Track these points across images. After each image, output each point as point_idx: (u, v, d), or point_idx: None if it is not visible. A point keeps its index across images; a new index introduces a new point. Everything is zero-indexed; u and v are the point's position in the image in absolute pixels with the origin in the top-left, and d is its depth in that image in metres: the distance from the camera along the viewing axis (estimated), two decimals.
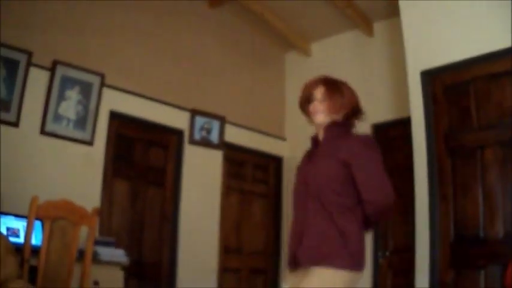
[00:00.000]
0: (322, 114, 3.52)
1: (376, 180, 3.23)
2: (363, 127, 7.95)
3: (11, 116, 5.96)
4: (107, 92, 6.78)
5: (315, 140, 3.68)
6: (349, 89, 3.64)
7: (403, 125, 6.88)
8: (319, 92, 3.57)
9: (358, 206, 3.26)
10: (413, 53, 6.47)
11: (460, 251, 5.67)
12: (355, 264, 3.16)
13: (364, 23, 8.41)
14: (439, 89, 6.15)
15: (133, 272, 6.41)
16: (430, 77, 6.24)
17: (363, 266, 3.23)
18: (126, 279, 5.82)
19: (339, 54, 8.91)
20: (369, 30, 8.49)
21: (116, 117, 6.88)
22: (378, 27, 8.51)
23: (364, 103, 7.95)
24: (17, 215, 5.28)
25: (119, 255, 5.77)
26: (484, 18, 5.98)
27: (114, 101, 6.86)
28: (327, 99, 3.52)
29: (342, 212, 3.22)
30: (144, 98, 7.16)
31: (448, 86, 6.11)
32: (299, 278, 3.25)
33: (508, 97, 5.61)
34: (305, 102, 3.66)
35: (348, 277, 3.13)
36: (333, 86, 3.59)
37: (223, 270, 7.88)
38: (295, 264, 3.33)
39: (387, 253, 7.55)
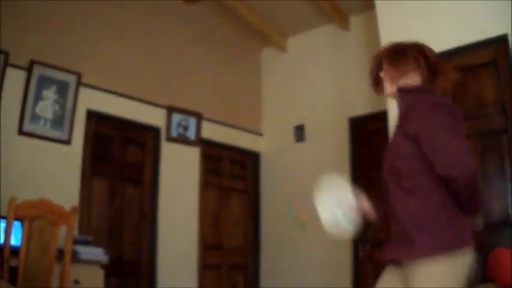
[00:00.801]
0: (386, 84, 3.22)
1: (447, 151, 2.73)
2: (339, 120, 8.05)
3: None
4: (83, 91, 6.72)
5: None
6: (417, 48, 3.15)
7: (380, 118, 6.89)
8: (383, 62, 3.25)
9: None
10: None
11: None
12: (445, 245, 2.74)
13: (339, 17, 8.41)
14: None
15: (113, 270, 6.36)
16: None
17: (465, 244, 2.77)
18: (106, 278, 5.79)
19: (315, 49, 8.92)
20: (344, 25, 8.49)
21: (93, 116, 6.83)
22: (354, 21, 8.52)
23: (341, 97, 8.06)
24: None
25: (98, 253, 5.74)
26: (459, 11, 6.01)
27: (91, 100, 6.80)
28: (388, 67, 3.19)
29: (421, 193, 2.85)
30: (120, 96, 7.11)
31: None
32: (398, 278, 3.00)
33: (485, 88, 5.64)
34: (375, 78, 3.36)
35: (447, 263, 2.72)
36: (395, 50, 3.21)
37: (203, 267, 7.86)
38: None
39: (367, 246, 7.55)
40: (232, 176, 8.81)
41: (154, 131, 7.56)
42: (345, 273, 7.69)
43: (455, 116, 2.84)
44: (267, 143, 9.15)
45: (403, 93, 3.07)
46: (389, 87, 3.17)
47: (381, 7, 6.69)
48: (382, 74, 3.21)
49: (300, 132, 8.70)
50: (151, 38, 7.70)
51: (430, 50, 3.15)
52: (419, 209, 2.83)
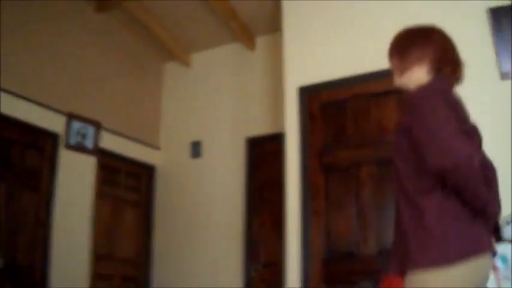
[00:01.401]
0: (395, 76, 3.04)
1: (438, 140, 2.50)
2: (237, 139, 8.11)
3: None
4: None
5: None
6: (427, 35, 2.97)
7: (277, 139, 7.02)
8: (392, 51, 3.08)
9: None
10: (292, 69, 6.59)
11: (332, 266, 5.79)
12: (446, 256, 2.48)
13: (246, 37, 8.50)
14: (315, 106, 6.28)
15: (7, 275, 6.22)
16: (307, 93, 6.37)
17: (466, 255, 2.48)
18: (0, 282, 5.65)
19: (219, 67, 8.99)
20: (250, 44, 8.59)
21: None
22: (260, 41, 8.64)
23: (240, 117, 8.12)
24: None
25: None
26: (364, 39, 6.16)
27: None
28: (394, 58, 3.04)
29: (426, 193, 2.62)
30: (22, 99, 6.96)
31: (325, 103, 6.26)
32: None
33: (386, 116, 5.79)
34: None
35: (443, 277, 2.47)
36: (402, 38, 3.06)
37: (95, 277, 7.75)
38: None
39: (259, 266, 7.61)
40: (127, 187, 8.73)
41: (53, 137, 7.42)
42: None
43: (451, 103, 2.66)
44: (164, 157, 9.14)
45: (411, 94, 2.79)
46: (397, 80, 3.01)
47: (287, 29, 6.81)
48: (390, 65, 3.06)
49: (196, 149, 8.72)
50: (57, 42, 7.58)
51: (442, 35, 2.96)
52: (419, 216, 2.61)
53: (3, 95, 6.72)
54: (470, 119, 2.80)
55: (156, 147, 9.21)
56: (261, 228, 7.84)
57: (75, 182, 7.61)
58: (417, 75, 2.89)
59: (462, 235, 2.53)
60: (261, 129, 8.14)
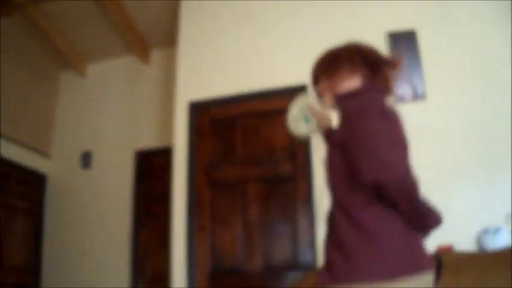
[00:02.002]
0: (326, 97, 2.88)
1: (375, 153, 2.35)
2: (126, 152, 8.04)
3: None
4: None
5: None
6: (351, 48, 2.89)
7: (165, 153, 7.01)
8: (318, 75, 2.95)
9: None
10: (183, 84, 6.58)
11: (218, 282, 5.77)
12: (388, 271, 2.36)
13: (141, 50, 8.47)
14: (205, 121, 6.28)
15: None
16: (197, 109, 6.37)
17: (409, 270, 2.36)
18: None
19: (113, 78, 8.91)
20: (145, 57, 8.56)
21: None
22: (155, 55, 8.63)
23: (131, 129, 8.02)
24: None
25: None
26: (256, 58, 6.19)
27: None
28: (323, 78, 2.89)
29: (363, 208, 2.49)
30: None
31: (215, 119, 6.27)
32: None
33: (274, 135, 5.81)
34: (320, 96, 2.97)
35: None
36: (327, 58, 2.93)
37: None
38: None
39: (146, 279, 7.54)
40: (18, 195, 8.50)
41: None
42: None
43: (389, 116, 2.51)
44: (55, 166, 8.96)
45: (339, 101, 2.68)
46: (328, 100, 2.85)
47: (183, 44, 6.81)
48: (319, 89, 2.92)
49: (87, 159, 8.59)
50: None
51: (366, 45, 2.88)
52: (358, 231, 2.46)
53: None
54: (404, 131, 2.60)
55: (48, 156, 9.00)
56: (148, 241, 7.81)
57: None
58: (351, 86, 2.74)
59: (405, 250, 2.43)
60: (150, 142, 8.14)
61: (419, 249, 2.49)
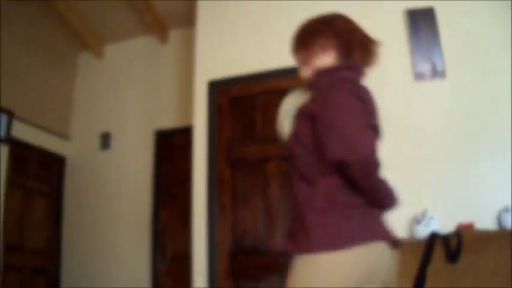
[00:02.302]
0: (301, 69, 2.95)
1: (341, 133, 2.42)
2: (146, 132, 8.06)
3: None
4: None
5: None
6: (326, 21, 2.93)
7: (186, 133, 6.95)
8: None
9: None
10: (202, 63, 6.56)
11: (239, 261, 5.77)
12: (333, 241, 2.39)
13: (160, 30, 8.43)
14: (224, 100, 6.26)
15: None
16: (217, 87, 6.35)
17: (354, 241, 2.39)
18: None
19: (132, 59, 8.89)
20: (163, 37, 8.52)
21: None
22: (174, 35, 8.58)
23: (150, 109, 8.01)
24: None
25: None
26: (275, 35, 6.15)
27: None
28: (298, 50, 2.96)
29: (324, 179, 2.53)
30: None
31: (234, 98, 6.25)
32: None
33: None
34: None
35: (328, 261, 2.38)
36: (302, 31, 2.99)
37: (6, 268, 7.53)
38: None
39: (167, 259, 7.55)
40: (38, 178, 8.54)
41: None
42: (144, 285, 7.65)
43: (359, 96, 2.55)
44: (74, 148, 8.98)
45: (313, 77, 2.78)
46: (304, 71, 2.90)
47: (201, 23, 6.77)
48: (296, 60, 2.97)
49: (106, 140, 8.59)
50: None
51: (344, 19, 2.93)
52: (310, 198, 2.52)
53: None
54: (377, 112, 2.70)
55: (67, 138, 9.02)
56: (169, 221, 7.79)
57: None
58: (324, 64, 2.79)
59: (353, 222, 2.46)
60: (170, 122, 8.11)
61: (376, 220, 2.56)
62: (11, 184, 7.81)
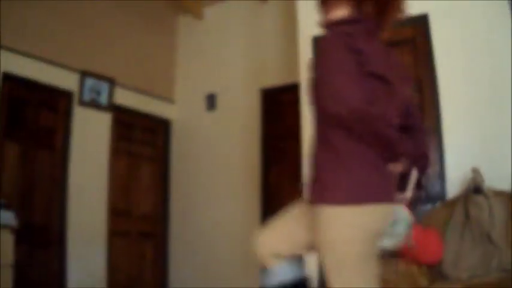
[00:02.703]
0: (320, 16, 2.95)
1: (329, 84, 2.50)
2: (252, 91, 8.10)
3: None
4: (1, 54, 6.51)
5: None
6: None
7: (292, 90, 6.89)
8: None
9: None
10: (305, 19, 6.47)
11: None
12: (357, 195, 2.52)
13: None
14: None
15: (23, 235, 6.20)
16: None
17: (377, 197, 2.56)
18: (16, 243, 5.64)
19: (232, 19, 8.91)
20: None
21: (8, 79, 6.61)
22: None
23: (254, 68, 8.02)
24: None
25: (8, 217, 5.60)
26: None
27: (7, 63, 6.59)
28: (319, 3, 2.95)
29: (334, 132, 2.59)
30: (35, 59, 6.94)
31: None
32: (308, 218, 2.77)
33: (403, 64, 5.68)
34: None
35: (351, 214, 2.52)
36: None
37: (112, 234, 7.76)
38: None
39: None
40: (143, 143, 8.73)
41: (67, 95, 7.39)
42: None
43: (357, 49, 2.55)
44: (179, 110, 9.10)
45: (329, 28, 2.81)
46: (320, 21, 2.92)
47: None
48: (318, 12, 2.96)
49: (211, 101, 8.68)
50: (69, 2, 7.48)
51: None
52: (328, 155, 2.62)
53: (14, 56, 6.67)
54: (390, 62, 2.78)
55: (171, 101, 9.17)
56: (278, 179, 7.84)
57: (90, 139, 7.61)
58: (337, 17, 2.80)
59: (371, 181, 2.56)
60: (275, 80, 8.09)
61: (385, 183, 2.64)
62: (116, 151, 8.03)
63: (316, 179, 2.67)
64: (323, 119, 2.67)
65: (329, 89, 2.50)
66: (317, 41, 2.46)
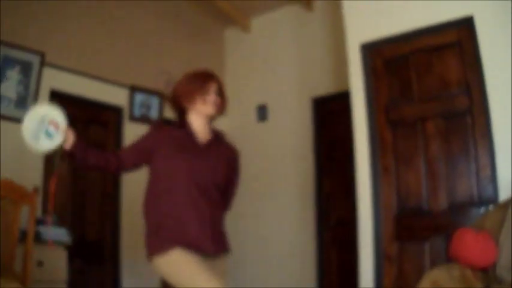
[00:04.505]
0: (216, 107, 3.78)
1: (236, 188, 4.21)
2: (302, 100, 8.11)
3: None
4: (47, 71, 6.63)
5: (188, 128, 3.74)
6: None
7: (343, 98, 6.88)
8: (214, 87, 3.82)
9: None
10: (353, 26, 6.47)
11: (404, 223, 5.72)
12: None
13: None
14: (379, 62, 6.18)
15: (77, 251, 6.28)
16: (369, 50, 6.25)
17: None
18: (70, 259, 5.72)
19: (279, 30, 8.93)
20: (308, 5, 8.48)
21: (56, 96, 6.69)
22: (318, 1, 8.51)
23: (304, 77, 8.08)
24: None
25: (61, 234, 5.69)
26: None
27: (54, 80, 6.70)
28: (220, 96, 3.84)
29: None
30: (83, 76, 7.03)
31: (388, 58, 6.14)
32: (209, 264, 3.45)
33: (449, 69, 5.66)
34: (196, 90, 3.79)
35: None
36: (222, 87, 3.91)
37: None
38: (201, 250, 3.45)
39: (331, 225, 7.64)
40: None
41: (117, 110, 7.49)
42: (309, 252, 7.74)
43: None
44: (230, 122, 9.11)
45: (219, 131, 4.10)
46: (214, 111, 3.89)
47: None
48: (214, 96, 3.88)
49: (262, 112, 8.70)
50: (114, 16, 7.59)
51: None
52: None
53: (61, 73, 6.77)
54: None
55: (222, 114, 9.14)
56: (332, 187, 7.85)
57: None
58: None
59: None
60: (324, 88, 8.10)
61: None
62: None
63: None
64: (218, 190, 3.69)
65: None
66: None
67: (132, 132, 7.51)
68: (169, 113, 7.95)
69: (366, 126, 6.09)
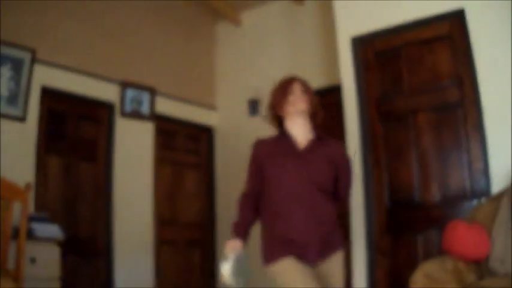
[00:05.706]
0: (303, 103, 3.90)
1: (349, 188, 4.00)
2: None
3: None
4: (38, 68, 6.59)
5: (288, 137, 3.90)
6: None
7: (333, 92, 6.90)
8: (296, 86, 3.98)
9: None
10: (343, 20, 6.49)
11: (396, 215, 5.74)
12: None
13: None
14: (370, 55, 6.19)
15: (70, 247, 6.26)
16: (360, 43, 6.27)
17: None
18: (63, 255, 5.71)
19: (269, 23, 8.89)
20: None
21: (47, 93, 6.69)
22: None
23: (295, 71, 8.00)
24: None
25: (54, 230, 5.67)
26: None
27: (45, 77, 6.67)
28: (306, 93, 4.00)
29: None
30: (74, 72, 6.99)
31: (379, 51, 6.16)
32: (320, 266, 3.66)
33: (440, 62, 5.67)
34: (281, 96, 3.96)
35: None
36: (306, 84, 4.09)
37: (160, 243, 7.81)
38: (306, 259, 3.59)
39: None
40: (186, 150, 8.76)
41: (108, 106, 7.45)
42: None
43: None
44: (221, 117, 9.13)
45: (318, 129, 4.19)
46: (305, 106, 4.08)
47: None
48: (299, 94, 4.09)
49: (254, 106, 8.67)
50: (105, 12, 7.54)
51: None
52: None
53: (52, 69, 6.76)
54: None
55: (213, 108, 9.19)
56: None
57: (133, 149, 7.64)
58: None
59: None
60: (315, 82, 8.05)
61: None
62: (159, 160, 8.06)
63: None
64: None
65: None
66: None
67: (124, 128, 7.52)
68: (161, 108, 7.98)
69: (357, 120, 6.12)
